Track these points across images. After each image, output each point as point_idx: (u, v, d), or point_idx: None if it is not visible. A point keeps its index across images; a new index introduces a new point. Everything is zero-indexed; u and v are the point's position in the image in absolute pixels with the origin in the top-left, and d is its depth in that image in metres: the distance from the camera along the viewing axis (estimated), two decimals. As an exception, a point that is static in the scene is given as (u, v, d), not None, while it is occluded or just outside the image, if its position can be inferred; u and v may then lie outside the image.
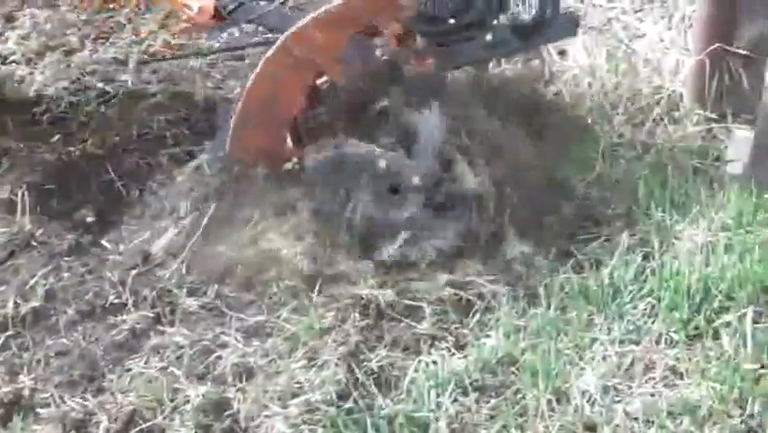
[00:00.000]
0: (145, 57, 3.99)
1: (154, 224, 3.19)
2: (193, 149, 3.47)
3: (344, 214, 2.98)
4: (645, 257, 2.96)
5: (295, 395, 2.55)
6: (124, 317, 2.87)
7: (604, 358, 2.65)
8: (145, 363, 2.71)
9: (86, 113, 3.74)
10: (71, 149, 3.57)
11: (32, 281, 3.00)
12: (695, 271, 2.83)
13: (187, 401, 2.56)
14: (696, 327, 2.72)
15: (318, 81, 3.13)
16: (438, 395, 2.54)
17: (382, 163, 3.01)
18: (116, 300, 2.93)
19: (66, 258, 3.12)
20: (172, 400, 2.57)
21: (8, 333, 2.84)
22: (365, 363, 2.65)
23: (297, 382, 2.59)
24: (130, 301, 2.92)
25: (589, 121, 3.65)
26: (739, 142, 3.52)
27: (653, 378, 2.60)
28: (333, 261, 2.93)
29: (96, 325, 2.86)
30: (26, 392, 2.65)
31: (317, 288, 2.86)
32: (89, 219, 3.29)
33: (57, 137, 3.62)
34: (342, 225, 2.98)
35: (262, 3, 3.59)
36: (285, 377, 2.60)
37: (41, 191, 3.37)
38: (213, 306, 2.90)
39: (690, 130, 3.63)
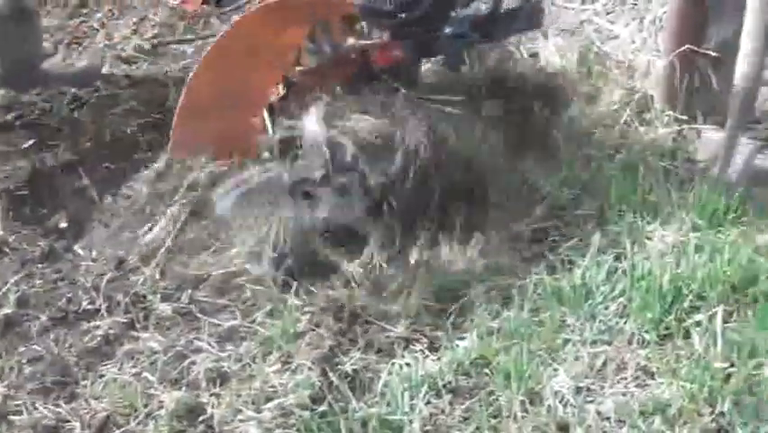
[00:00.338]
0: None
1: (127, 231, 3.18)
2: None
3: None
4: (617, 258, 2.97)
5: (269, 399, 2.55)
6: (98, 322, 2.85)
7: (576, 359, 2.65)
8: (119, 368, 2.69)
9: (60, 118, 3.73)
10: (44, 155, 3.55)
11: (4, 288, 2.97)
12: (666, 271, 2.84)
13: (161, 407, 2.54)
14: (667, 327, 2.73)
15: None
16: (412, 397, 2.54)
17: (285, 177, 3.01)
18: (90, 306, 2.92)
19: (39, 264, 3.10)
20: (146, 406, 2.55)
21: (-20, 340, 2.81)
22: (339, 367, 2.65)
23: (272, 387, 2.58)
24: (103, 307, 2.90)
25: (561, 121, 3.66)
26: (709, 143, 3.55)
27: (625, 378, 2.61)
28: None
29: (69, 331, 2.83)
30: (-2, 400, 2.63)
31: (292, 291, 2.87)
32: (62, 225, 3.28)
33: (30, 143, 3.61)
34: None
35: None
36: (259, 381, 2.59)
37: (13, 197, 3.35)
38: (187, 310, 2.89)
39: (661, 131, 3.66)
